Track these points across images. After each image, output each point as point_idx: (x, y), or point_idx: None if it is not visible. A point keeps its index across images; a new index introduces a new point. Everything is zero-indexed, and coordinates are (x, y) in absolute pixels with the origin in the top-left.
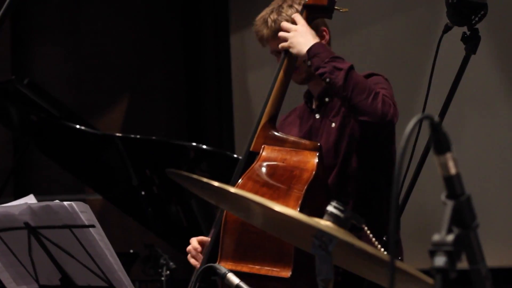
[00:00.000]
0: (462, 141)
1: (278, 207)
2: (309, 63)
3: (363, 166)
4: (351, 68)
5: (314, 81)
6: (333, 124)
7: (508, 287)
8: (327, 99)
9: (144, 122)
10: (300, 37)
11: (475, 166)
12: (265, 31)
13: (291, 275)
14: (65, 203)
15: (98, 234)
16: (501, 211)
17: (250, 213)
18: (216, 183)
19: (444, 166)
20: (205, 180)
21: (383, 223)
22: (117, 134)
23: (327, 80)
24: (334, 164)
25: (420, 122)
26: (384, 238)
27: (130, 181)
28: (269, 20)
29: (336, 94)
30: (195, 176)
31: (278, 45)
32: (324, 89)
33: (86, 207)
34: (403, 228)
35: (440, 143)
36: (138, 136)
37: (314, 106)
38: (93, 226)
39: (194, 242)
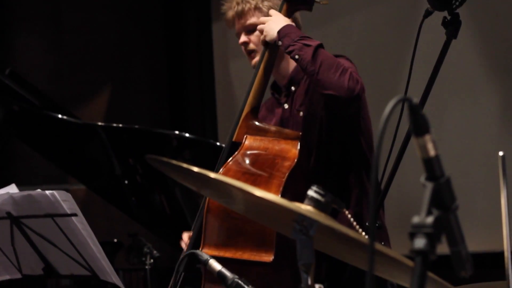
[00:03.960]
0: (444, 127)
1: (258, 192)
2: (279, 43)
3: (335, 148)
4: (320, 45)
5: (279, 70)
6: (301, 113)
7: (490, 272)
8: (293, 88)
9: (127, 111)
10: (273, 23)
11: (457, 152)
12: (230, 13)
13: (273, 260)
14: (47, 192)
15: (80, 223)
16: (482, 197)
17: (231, 199)
18: (195, 169)
19: (423, 148)
20: (185, 165)
21: (364, 207)
22: (99, 124)
23: (296, 57)
24: (308, 152)
25: (399, 104)
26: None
27: (113, 171)
28: (234, 2)
29: (304, 70)
30: (174, 162)
31: (240, 25)
32: (290, 79)
33: (68, 195)
34: (387, 214)
35: (418, 125)
36: (120, 125)
37: (282, 97)
38: (75, 214)
39: (185, 237)
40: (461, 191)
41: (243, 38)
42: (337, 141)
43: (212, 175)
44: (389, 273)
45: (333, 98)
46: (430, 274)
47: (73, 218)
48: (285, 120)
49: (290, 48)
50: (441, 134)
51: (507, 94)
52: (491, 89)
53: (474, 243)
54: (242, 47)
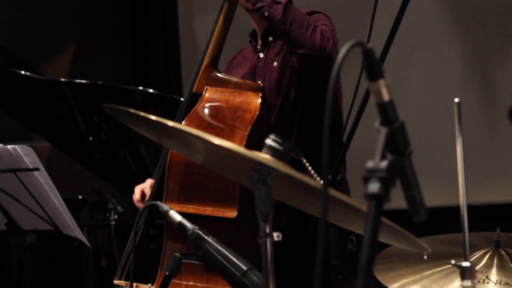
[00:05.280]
0: (408, 80)
1: (216, 140)
2: None
3: (305, 103)
4: (290, 1)
5: (258, 17)
6: (275, 63)
7: (449, 226)
8: (270, 38)
9: (92, 68)
10: None
11: (420, 105)
12: None
13: (236, 216)
14: (9, 146)
15: (42, 177)
16: (445, 150)
17: (190, 149)
18: (153, 117)
19: (377, 93)
20: (142, 114)
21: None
22: (63, 80)
23: (266, 14)
24: (276, 102)
25: (353, 48)
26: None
27: (77, 127)
28: None
29: (275, 28)
30: (132, 111)
31: None
32: (267, 28)
33: (29, 150)
34: (349, 168)
35: (372, 69)
36: (84, 81)
37: (258, 46)
38: (37, 169)
39: (136, 191)
40: (423, 145)
41: None
42: (307, 97)
43: (169, 123)
44: (347, 222)
45: (306, 56)
46: (394, 224)
47: (35, 172)
48: (259, 69)
49: (259, 4)
50: (404, 88)
51: (468, 47)
52: (453, 41)
53: (436, 198)
54: None
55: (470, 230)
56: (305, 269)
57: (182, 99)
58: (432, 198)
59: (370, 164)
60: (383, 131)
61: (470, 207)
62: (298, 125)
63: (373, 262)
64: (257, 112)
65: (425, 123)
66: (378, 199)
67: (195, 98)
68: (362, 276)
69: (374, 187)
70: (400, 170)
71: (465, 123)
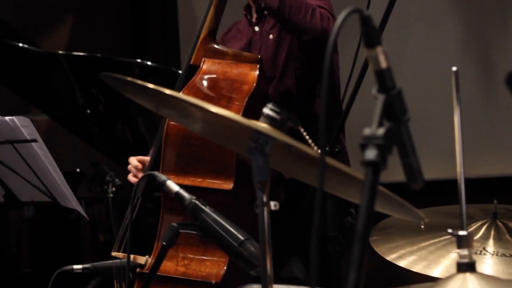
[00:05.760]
0: (407, 55)
1: (214, 108)
2: None
3: (301, 75)
4: None
5: None
6: (271, 36)
7: (447, 198)
8: (266, 12)
9: (90, 41)
10: None
11: (419, 80)
12: None
13: (233, 187)
14: (6, 118)
15: (40, 149)
16: (443, 125)
17: (188, 118)
18: (151, 85)
19: (375, 60)
20: (139, 82)
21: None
22: (61, 52)
23: (262, 5)
24: (273, 75)
25: (350, 15)
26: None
27: (75, 100)
28: None
29: (273, 17)
30: (129, 79)
31: None
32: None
33: (27, 121)
34: (348, 138)
35: (370, 36)
36: (82, 54)
37: (253, 19)
38: (35, 140)
39: (133, 160)
40: (421, 120)
41: None
42: (303, 69)
43: (167, 91)
44: (345, 192)
45: (309, 41)
46: (391, 193)
47: (33, 144)
48: (254, 43)
49: None
50: (404, 62)
51: (467, 16)
52: (452, 11)
53: (434, 171)
54: None
55: (467, 203)
56: (303, 240)
57: (180, 71)
58: (429, 171)
59: (367, 131)
60: (381, 98)
61: (467, 180)
62: (295, 97)
63: (370, 230)
64: (254, 84)
65: (422, 94)
66: (375, 166)
67: (193, 70)
68: (359, 244)
69: (371, 154)
70: (397, 137)
71: (462, 94)
